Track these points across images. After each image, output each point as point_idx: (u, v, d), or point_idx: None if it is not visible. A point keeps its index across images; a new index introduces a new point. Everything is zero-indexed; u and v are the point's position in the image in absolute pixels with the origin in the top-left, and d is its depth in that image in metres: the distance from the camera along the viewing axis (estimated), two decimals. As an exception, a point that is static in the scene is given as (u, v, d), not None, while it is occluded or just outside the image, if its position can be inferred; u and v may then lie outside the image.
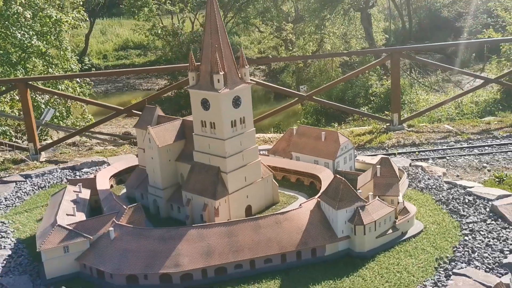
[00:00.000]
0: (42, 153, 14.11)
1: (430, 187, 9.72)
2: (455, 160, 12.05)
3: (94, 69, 41.98)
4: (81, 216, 8.19)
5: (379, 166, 8.68)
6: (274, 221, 7.64)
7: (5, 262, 8.04)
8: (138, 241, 7.38)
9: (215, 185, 8.05)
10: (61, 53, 22.69)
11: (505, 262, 7.08)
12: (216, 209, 7.98)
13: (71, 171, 12.06)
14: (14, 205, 10.34)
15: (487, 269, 6.99)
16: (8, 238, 8.86)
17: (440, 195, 9.34)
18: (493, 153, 12.36)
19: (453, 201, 9.02)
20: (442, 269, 7.06)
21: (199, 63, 8.18)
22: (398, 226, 7.93)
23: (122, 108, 15.83)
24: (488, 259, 7.21)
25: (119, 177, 10.51)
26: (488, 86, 24.34)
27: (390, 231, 7.85)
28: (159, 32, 42.91)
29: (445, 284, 6.67)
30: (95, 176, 10.14)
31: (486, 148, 12.81)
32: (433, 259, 7.34)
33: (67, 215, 8.06)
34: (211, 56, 7.82)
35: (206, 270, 7.19)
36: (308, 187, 9.63)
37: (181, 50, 41.07)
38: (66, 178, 11.64)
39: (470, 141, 13.43)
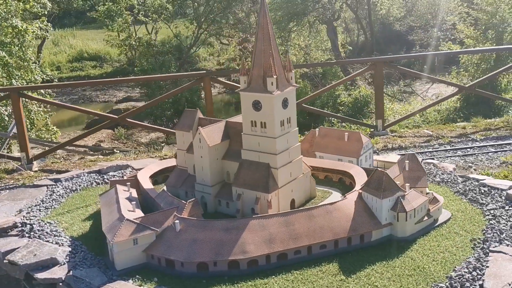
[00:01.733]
0: (34, 162, 14.21)
1: (445, 180, 10.73)
2: (442, 161, 13.07)
3: (56, 80, 41.26)
4: (139, 212, 8.66)
5: (408, 161, 9.58)
6: (325, 211, 8.39)
7: (68, 257, 8.41)
8: (204, 232, 7.95)
9: (267, 180, 8.74)
10: (25, 63, 21.94)
11: (531, 240, 8.09)
12: (269, 202, 8.66)
13: (98, 174, 12.41)
14: (53, 207, 10.64)
15: (517, 246, 7.97)
16: (61, 236, 9.21)
17: (457, 187, 10.35)
18: (476, 154, 13.49)
19: (471, 192, 10.04)
20: (479, 248, 7.98)
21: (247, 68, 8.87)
22: (432, 213, 8.84)
23: (117, 116, 16.15)
24: (515, 238, 8.21)
25: (154, 178, 10.99)
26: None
27: (426, 218, 8.74)
28: (133, 43, 43.03)
29: (486, 260, 7.58)
30: (130, 177, 10.64)
31: (469, 149, 13.94)
32: (468, 241, 8.27)
33: (128, 211, 8.54)
34: (264, 61, 8.54)
35: (270, 256, 7.84)
36: (337, 183, 10.43)
37: (157, 61, 41.34)
38: (95, 181, 12.01)
39: (452, 144, 14.57)
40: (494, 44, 24.55)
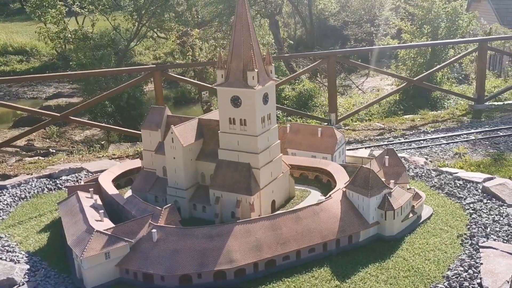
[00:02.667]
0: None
1: (419, 175, 10.62)
2: (399, 153, 13.01)
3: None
4: (107, 222, 7.80)
5: (387, 156, 9.33)
6: (312, 212, 7.93)
7: (27, 276, 7.43)
8: (185, 241, 7.25)
9: (248, 181, 8.15)
10: None
11: (515, 233, 8.05)
12: (251, 205, 8.08)
13: (49, 179, 11.27)
14: (0, 218, 9.47)
15: (504, 240, 7.89)
16: (16, 252, 8.16)
17: (432, 182, 10.26)
18: (430, 146, 13.64)
19: (447, 186, 9.97)
20: (467, 244, 7.84)
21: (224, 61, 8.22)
22: (416, 210, 8.62)
23: (59, 114, 14.95)
24: (500, 232, 8.14)
25: (116, 182, 10.07)
26: (390, 88, 27.02)
27: (411, 215, 8.51)
28: (68, 35, 40.67)
29: (478, 256, 7.43)
30: (88, 182, 9.70)
31: (422, 142, 14.07)
32: (455, 237, 8.11)
33: (96, 221, 7.66)
34: (244, 53, 7.92)
35: (258, 264, 7.28)
36: (314, 181, 10.02)
37: (96, 55, 39.27)
38: (46, 187, 10.89)
39: (406, 136, 14.69)
40: (430, 39, 25.30)
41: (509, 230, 8.17)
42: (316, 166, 10.02)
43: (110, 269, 7.18)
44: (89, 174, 11.60)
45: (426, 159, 12.36)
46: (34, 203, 10.13)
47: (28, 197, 10.46)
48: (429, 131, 15.16)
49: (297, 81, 28.52)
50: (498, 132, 14.78)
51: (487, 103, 18.06)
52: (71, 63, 42.68)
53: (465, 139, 14.25)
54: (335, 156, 10.47)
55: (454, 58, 20.84)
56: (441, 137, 14.52)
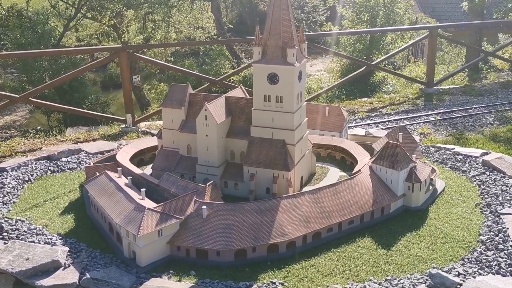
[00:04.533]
0: None
1: (420, 151, 11.22)
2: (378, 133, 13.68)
3: None
4: (149, 201, 7.65)
5: (401, 133, 9.80)
6: (348, 186, 8.22)
7: (70, 258, 7.15)
8: (236, 216, 7.29)
9: (285, 157, 8.28)
10: None
11: (525, 201, 8.82)
12: (289, 180, 8.23)
13: (48, 161, 10.72)
14: (12, 201, 8.96)
15: (518, 208, 8.63)
16: (46, 235, 7.80)
17: (434, 157, 10.91)
18: (396, 128, 14.31)
19: (449, 161, 10.65)
20: (487, 212, 8.49)
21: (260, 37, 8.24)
22: (433, 182, 9.18)
23: (18, 96, 14.18)
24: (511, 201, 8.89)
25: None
26: (320, 74, 27.86)
27: (431, 187, 9.06)
28: (3, 13, 37.91)
29: (502, 222, 8.08)
30: (98, 163, 9.45)
31: (387, 123, 14.77)
32: (473, 206, 8.74)
33: (140, 199, 7.49)
34: (283, 31, 7.98)
35: (306, 236, 7.48)
36: (327, 158, 10.32)
37: (35, 34, 36.90)
38: (49, 170, 10.37)
39: (371, 118, 15.41)
40: (369, 26, 26.38)
41: (518, 198, 8.94)
42: (330, 144, 10.32)
43: (162, 247, 7.09)
44: (89, 155, 11.17)
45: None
46: (42, 186, 9.64)
47: (31, 179, 9.91)
48: (392, 113, 15.96)
49: (242, 65, 28.51)
50: (454, 114, 15.88)
51: (435, 87, 19.28)
52: (6, 43, 39.79)
53: (426, 120, 15.19)
54: (343, 134, 10.83)
55: (407, 44, 21.86)
56: (404, 118, 15.35)
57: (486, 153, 10.87)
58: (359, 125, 14.13)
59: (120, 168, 8.51)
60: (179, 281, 6.66)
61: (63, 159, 10.88)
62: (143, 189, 7.61)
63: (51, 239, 7.65)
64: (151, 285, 6.47)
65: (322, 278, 6.76)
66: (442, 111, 16.09)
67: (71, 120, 21.24)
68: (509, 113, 15.77)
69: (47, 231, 7.92)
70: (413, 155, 9.00)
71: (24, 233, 7.80)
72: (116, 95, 29.14)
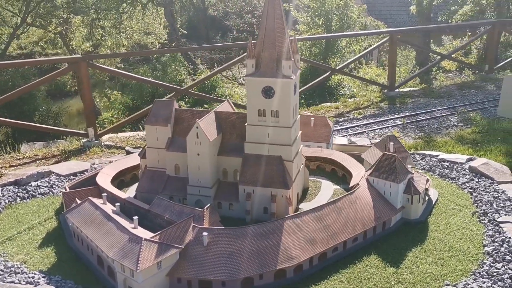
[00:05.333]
0: None
1: (412, 160, 11.11)
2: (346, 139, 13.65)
3: None
4: (142, 230, 7.04)
5: (391, 142, 9.62)
6: (349, 201, 7.92)
7: (58, 299, 6.45)
8: (239, 242, 6.82)
9: (283, 174, 7.88)
10: None
11: (519, 207, 8.81)
12: (288, 198, 7.83)
13: (17, 187, 9.83)
14: (-20, 235, 8.09)
15: (512, 214, 8.61)
16: (27, 273, 7.03)
17: (421, 164, 10.82)
18: (366, 132, 14.44)
19: (437, 168, 10.59)
20: (486, 221, 8.40)
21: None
22: (428, 192, 9.03)
23: None
24: (506, 207, 8.84)
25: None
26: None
27: (427, 197, 8.90)
28: None
29: (503, 231, 8.00)
30: (75, 187, 8.76)
31: (357, 128, 14.79)
32: (470, 215, 8.65)
33: (133, 228, 6.87)
34: (277, 42, 7.59)
35: (313, 258, 7.10)
36: (317, 170, 10.00)
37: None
38: (18, 196, 9.51)
39: (340, 123, 15.39)
40: (325, 30, 26.60)
41: (511, 204, 8.91)
42: (320, 156, 10.01)
43: (162, 280, 6.52)
44: (61, 178, 10.36)
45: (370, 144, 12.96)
46: (12, 215, 8.79)
47: (0, 209, 9.04)
48: (359, 117, 15.98)
49: (198, 72, 27.97)
50: (419, 117, 16.08)
51: (397, 90, 19.55)
52: None
53: (394, 124, 15.28)
54: (329, 145, 10.56)
55: (369, 49, 22.05)
56: (372, 123, 15.39)
57: (471, 159, 10.89)
58: (337, 131, 13.95)
59: (105, 194, 7.82)
60: (185, 318, 6.11)
61: (33, 184, 10.01)
62: (135, 217, 6.99)
63: (33, 277, 6.90)
64: (156, 326, 5.89)
65: (337, 303, 6.40)
66: (407, 114, 16.24)
67: (20, 134, 19.79)
68: (471, 115, 16.11)
69: (27, 269, 7.15)
70: (408, 166, 8.82)
71: (1, 272, 7.00)
72: (64, 104, 27.80)
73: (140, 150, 12.34)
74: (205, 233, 6.75)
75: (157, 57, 29.47)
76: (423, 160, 11.06)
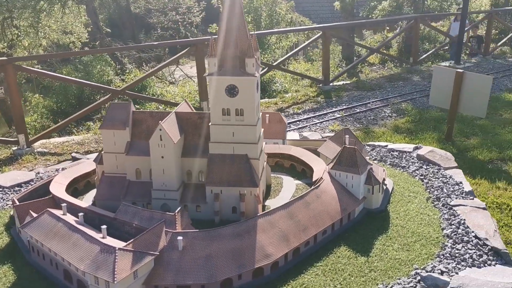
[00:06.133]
0: None
1: (367, 151, 11.48)
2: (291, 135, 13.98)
3: None
4: (111, 239, 6.74)
5: (347, 136, 9.89)
6: (315, 195, 8.04)
7: (27, 320, 6.02)
8: (214, 244, 6.72)
9: (251, 173, 7.85)
10: None
11: (467, 190, 9.37)
12: (257, 197, 7.82)
13: (-42, 202, 9.07)
14: None
15: (463, 197, 9.14)
16: (-15, 295, 6.51)
17: (372, 155, 11.21)
18: (308, 126, 14.89)
19: (387, 158, 11.02)
20: (440, 205, 8.87)
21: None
22: (385, 182, 9.39)
23: None
24: (456, 191, 9.39)
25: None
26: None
27: (384, 187, 9.24)
28: None
29: (457, 214, 8.48)
30: (23, 198, 8.27)
31: (299, 122, 15.21)
32: (425, 200, 9.10)
33: (102, 238, 6.55)
34: (239, 39, 7.53)
35: (287, 254, 7.15)
36: (275, 167, 10.07)
37: None
38: (-39, 212, 8.77)
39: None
40: (254, 27, 26.90)
41: (461, 188, 9.47)
42: (278, 152, 10.08)
43: (138, 290, 6.28)
44: (5, 190, 9.67)
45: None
46: (-43, 234, 8.10)
47: None
48: (300, 112, 16.38)
49: (126, 72, 27.25)
50: (355, 109, 16.76)
51: (331, 84, 20.24)
52: None
53: (333, 117, 15.82)
54: (285, 141, 10.67)
55: (304, 44, 22.57)
56: (312, 117, 15.82)
57: (417, 148, 11.44)
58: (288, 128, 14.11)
59: (64, 204, 7.39)
60: (168, 326, 5.93)
61: (-23, 198, 9.28)
62: (103, 226, 6.67)
63: (-4, 299, 6.40)
64: (140, 338, 5.67)
65: (317, 297, 6.49)
66: (344, 107, 16.80)
67: None
68: (403, 105, 16.98)
69: (-8, 289, 6.62)
70: (366, 157, 9.10)
71: (-43, 297, 6.44)
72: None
73: (86, 155, 11.84)
74: (179, 238, 6.58)
75: (78, 57, 28.23)
76: (374, 150, 11.47)
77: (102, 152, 8.42)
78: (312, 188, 8.19)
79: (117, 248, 6.14)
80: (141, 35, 40.99)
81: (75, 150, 13.15)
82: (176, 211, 7.08)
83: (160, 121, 7.58)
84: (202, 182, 8.16)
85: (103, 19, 45.18)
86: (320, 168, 9.04)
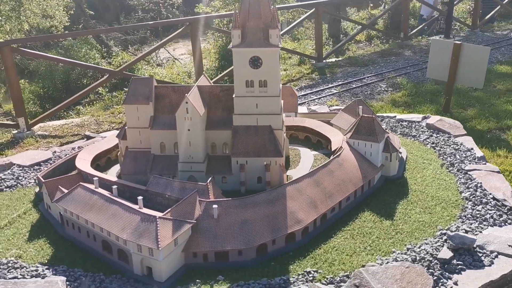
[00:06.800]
0: None
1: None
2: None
3: None
4: (147, 210, 6.89)
5: (360, 106, 10.09)
6: (338, 163, 8.25)
7: (72, 288, 6.19)
8: (249, 211, 6.91)
9: (275, 143, 8.02)
10: None
11: (479, 156, 9.66)
12: (282, 166, 8.01)
13: (-22, 182, 9.12)
14: (-43, 235, 7.47)
15: (476, 163, 9.42)
16: (28, 267, 6.65)
17: (383, 125, 11.41)
18: (306, 102, 14.95)
19: (398, 128, 11.26)
20: (455, 171, 9.15)
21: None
22: (400, 150, 9.63)
23: None
24: (469, 157, 9.68)
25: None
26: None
27: (399, 154, 9.49)
28: None
29: (472, 178, 8.77)
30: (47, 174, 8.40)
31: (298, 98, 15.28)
32: (439, 167, 9.37)
33: (139, 209, 6.70)
34: (263, 11, 7.63)
35: (316, 220, 7.38)
36: (291, 139, 10.24)
37: None
38: (-16, 191, 8.84)
39: None
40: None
41: (473, 154, 9.76)
42: (293, 124, 10.25)
43: (178, 256, 6.47)
44: (25, 169, 9.73)
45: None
46: (-17, 212, 8.18)
47: (-33, 206, 8.36)
48: (297, 89, 16.55)
49: (113, 55, 26.92)
50: (352, 85, 16.97)
51: (325, 61, 20.37)
52: None
53: (330, 93, 16.02)
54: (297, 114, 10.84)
55: (296, 22, 22.49)
56: (310, 93, 16.00)
57: (426, 117, 11.69)
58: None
59: (96, 178, 7.50)
60: (212, 290, 6.14)
61: (-5, 177, 9.33)
62: (140, 197, 6.81)
63: (36, 270, 6.53)
64: (187, 300, 5.87)
65: (349, 258, 6.73)
66: (340, 83, 16.97)
67: None
68: (398, 79, 17.21)
69: (26, 263, 6.74)
70: (382, 126, 9.31)
71: (-2, 269, 6.56)
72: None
73: (99, 134, 11.92)
74: (215, 206, 6.76)
75: (60, 42, 27.74)
76: (383, 121, 11.69)
77: (126, 127, 8.51)
78: (333, 156, 8.39)
79: (158, 217, 6.31)
80: (121, 18, 40.27)
81: (73, 133, 13.18)
82: (208, 181, 7.23)
83: (186, 94, 7.68)
84: (226, 154, 8.32)
85: (84, 1, 44.35)
86: (337, 138, 9.24)
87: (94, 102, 18.33)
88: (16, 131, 13.15)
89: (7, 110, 21.37)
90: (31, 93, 21.49)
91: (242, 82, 7.90)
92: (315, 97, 15.57)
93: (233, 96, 8.01)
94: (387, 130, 10.73)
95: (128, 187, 7.61)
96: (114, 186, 7.27)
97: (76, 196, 7.18)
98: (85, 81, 21.18)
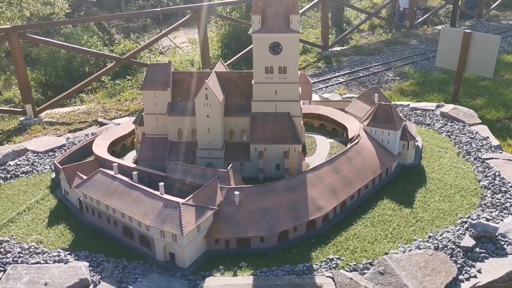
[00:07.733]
0: None
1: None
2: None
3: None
4: (168, 196, 6.86)
5: (376, 94, 10.03)
6: (356, 151, 8.22)
7: (93, 273, 6.17)
8: (270, 198, 6.89)
9: (294, 130, 7.98)
10: None
11: (495, 144, 9.62)
12: (301, 153, 7.97)
13: (-6, 167, 9.09)
14: (-24, 220, 7.46)
15: (492, 151, 9.38)
16: (50, 252, 6.64)
17: (396, 114, 11.37)
18: (314, 91, 14.70)
19: (411, 116, 11.21)
20: (472, 159, 9.11)
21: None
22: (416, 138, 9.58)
23: None
24: (484, 146, 9.63)
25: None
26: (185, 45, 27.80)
27: (416, 142, 9.45)
28: None
29: (491, 166, 8.74)
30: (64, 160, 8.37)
31: None
32: (455, 155, 9.33)
33: (161, 195, 6.68)
34: (285, -4, 7.54)
35: (336, 207, 7.36)
36: (305, 126, 10.17)
37: None
38: (1, 178, 8.81)
39: None
40: None
41: (489, 143, 9.71)
42: (308, 112, 10.19)
43: (200, 243, 6.46)
44: (39, 155, 9.70)
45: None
46: (2, 197, 8.15)
47: (-16, 192, 8.33)
48: None
49: (115, 42, 26.71)
50: (359, 74, 16.88)
51: (330, 50, 20.24)
52: None
53: (338, 82, 15.94)
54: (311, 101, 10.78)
55: (304, 9, 22.25)
56: (317, 82, 15.92)
57: (440, 105, 11.63)
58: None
59: (115, 164, 7.47)
60: (235, 275, 6.13)
61: (11, 163, 9.29)
62: (161, 183, 6.78)
63: (58, 256, 6.52)
64: (212, 286, 5.86)
65: (371, 245, 6.72)
66: (347, 71, 16.88)
67: None
68: (405, 68, 17.11)
69: (47, 248, 6.73)
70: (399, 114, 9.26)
71: (21, 254, 6.54)
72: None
73: (111, 121, 11.87)
74: (237, 192, 6.73)
75: (59, 29, 27.46)
76: (397, 109, 11.61)
77: (143, 113, 8.46)
78: (352, 144, 8.35)
79: (181, 203, 6.28)
80: (122, 6, 39.98)
81: (80, 120, 13.14)
82: (229, 168, 7.20)
83: (205, 80, 7.62)
84: (244, 141, 8.28)
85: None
86: (354, 125, 9.19)
87: (97, 90, 18.26)
88: (23, 118, 13.10)
89: (7, 97, 21.33)
90: (33, 80, 21.38)
91: (262, 68, 7.83)
92: (323, 86, 15.50)
93: (252, 82, 7.95)
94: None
95: (147, 173, 7.58)
96: (135, 172, 7.23)
97: (96, 182, 7.16)
98: (87, 68, 21.06)
